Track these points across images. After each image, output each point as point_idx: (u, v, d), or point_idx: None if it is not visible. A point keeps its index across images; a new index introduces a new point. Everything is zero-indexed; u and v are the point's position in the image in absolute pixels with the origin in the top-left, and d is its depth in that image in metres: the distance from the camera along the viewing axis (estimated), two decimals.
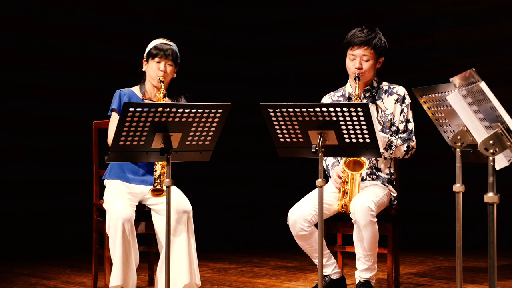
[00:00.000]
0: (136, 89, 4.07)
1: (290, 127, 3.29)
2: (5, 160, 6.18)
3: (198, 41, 7.48)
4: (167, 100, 3.96)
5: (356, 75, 3.94)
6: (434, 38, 6.74)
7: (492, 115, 2.52)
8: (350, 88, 4.10)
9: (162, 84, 3.92)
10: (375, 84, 4.07)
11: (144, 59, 4.04)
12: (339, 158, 4.04)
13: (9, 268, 5.14)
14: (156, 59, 3.96)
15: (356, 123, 3.19)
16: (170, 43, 4.05)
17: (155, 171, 3.77)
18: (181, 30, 7.31)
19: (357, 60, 3.96)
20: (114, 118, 3.97)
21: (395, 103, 4.03)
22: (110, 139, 3.95)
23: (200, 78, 7.48)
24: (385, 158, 4.00)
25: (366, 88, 4.07)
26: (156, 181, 3.75)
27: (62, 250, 6.01)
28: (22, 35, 6.25)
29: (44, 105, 6.37)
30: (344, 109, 3.16)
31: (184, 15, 7.38)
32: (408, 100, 4.05)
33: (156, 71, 3.96)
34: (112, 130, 3.94)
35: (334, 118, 3.20)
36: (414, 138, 4.03)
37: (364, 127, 3.20)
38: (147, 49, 4.03)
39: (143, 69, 4.05)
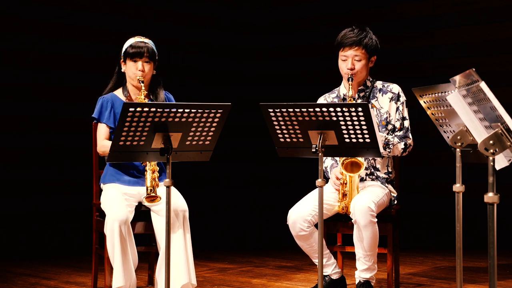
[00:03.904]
0: (118, 92, 4.07)
1: (290, 127, 3.29)
2: (4, 160, 6.18)
3: (198, 41, 7.48)
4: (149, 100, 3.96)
5: (349, 76, 3.93)
6: (434, 38, 6.73)
7: (492, 115, 2.52)
8: (344, 89, 4.10)
9: (142, 84, 3.91)
10: (368, 83, 4.07)
11: (121, 60, 4.03)
12: (337, 159, 4.03)
13: (9, 268, 5.14)
14: (133, 59, 3.96)
15: (356, 123, 3.19)
16: (145, 40, 4.02)
17: (146, 178, 3.75)
18: (181, 30, 7.31)
19: (349, 60, 3.95)
20: (99, 129, 4.03)
21: (390, 101, 4.02)
22: (98, 148, 4.02)
23: (200, 78, 7.48)
24: (382, 157, 4.00)
25: (360, 88, 4.06)
26: (148, 188, 3.73)
27: (62, 250, 6.01)
28: (22, 35, 6.25)
29: (44, 105, 6.37)
30: (344, 109, 3.17)
31: (184, 15, 7.38)
32: (403, 98, 4.04)
33: (134, 71, 3.96)
34: (99, 139, 4.01)
35: (334, 118, 3.20)
36: (410, 136, 4.03)
37: (364, 127, 3.20)
38: (123, 49, 4.02)
39: (122, 70, 4.05)
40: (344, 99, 4.08)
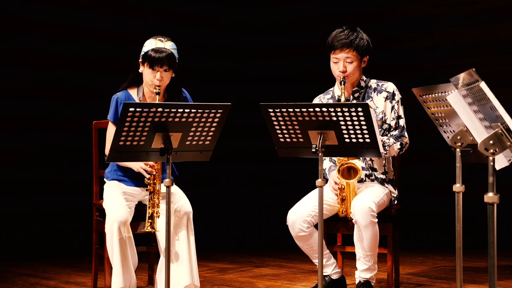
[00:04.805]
0: (133, 92, 3.94)
1: (290, 127, 3.29)
2: (5, 160, 6.18)
3: (198, 41, 7.48)
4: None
5: (342, 78, 3.89)
6: (434, 38, 6.73)
7: (492, 115, 2.51)
8: (339, 90, 4.07)
9: (158, 96, 3.76)
10: (362, 83, 4.02)
11: (140, 60, 3.86)
12: (335, 161, 4.01)
13: (9, 268, 5.14)
14: (152, 67, 3.77)
15: (356, 123, 3.19)
16: (167, 45, 3.82)
17: (148, 207, 3.72)
18: (181, 30, 7.31)
19: (341, 63, 3.90)
20: (110, 129, 3.92)
21: (385, 101, 3.99)
22: (106, 150, 3.93)
23: (200, 78, 7.48)
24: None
25: (354, 89, 4.02)
26: (148, 220, 3.70)
27: (62, 250, 6.01)
28: (22, 35, 6.25)
29: (44, 105, 6.37)
30: (344, 109, 3.16)
31: (184, 15, 7.38)
32: (398, 96, 4.00)
33: (152, 79, 3.78)
34: (109, 140, 3.91)
35: (334, 118, 3.20)
36: (406, 134, 3.99)
37: (364, 127, 3.20)
38: (143, 51, 3.83)
39: (140, 71, 3.87)
40: (339, 100, 4.04)
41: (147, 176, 3.75)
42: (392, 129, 3.98)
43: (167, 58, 3.78)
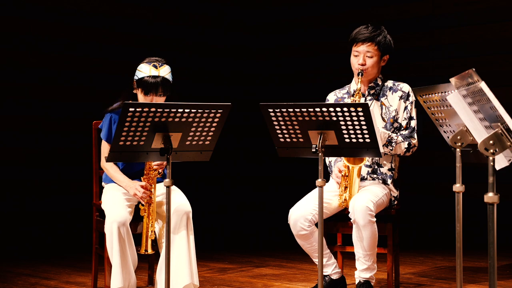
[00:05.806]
0: None
1: (290, 127, 3.29)
2: (5, 160, 6.18)
3: (198, 41, 7.48)
4: None
5: (360, 71, 3.95)
6: (434, 38, 6.74)
7: (492, 115, 2.52)
8: (355, 85, 4.10)
9: None
10: (379, 81, 4.08)
11: (134, 81, 3.85)
12: None
13: (9, 268, 5.14)
14: (146, 94, 3.80)
15: (356, 123, 3.19)
16: (161, 71, 3.80)
17: (143, 230, 3.74)
18: (181, 30, 7.31)
19: (361, 56, 3.98)
20: (104, 149, 3.93)
21: (399, 100, 4.03)
22: (102, 163, 3.96)
23: (200, 78, 7.48)
24: (385, 154, 4.00)
25: (370, 85, 4.07)
26: (143, 245, 3.73)
27: (62, 250, 6.01)
28: (22, 35, 6.25)
29: (44, 105, 6.38)
30: (344, 109, 3.17)
31: (184, 15, 7.38)
32: (412, 98, 4.05)
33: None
34: (103, 155, 3.92)
35: (334, 118, 3.20)
36: (415, 136, 4.02)
37: (364, 127, 3.20)
38: (136, 75, 3.82)
39: (134, 91, 3.88)
40: (353, 95, 4.07)
41: (143, 202, 3.77)
42: (402, 129, 4.01)
43: (161, 85, 3.80)
